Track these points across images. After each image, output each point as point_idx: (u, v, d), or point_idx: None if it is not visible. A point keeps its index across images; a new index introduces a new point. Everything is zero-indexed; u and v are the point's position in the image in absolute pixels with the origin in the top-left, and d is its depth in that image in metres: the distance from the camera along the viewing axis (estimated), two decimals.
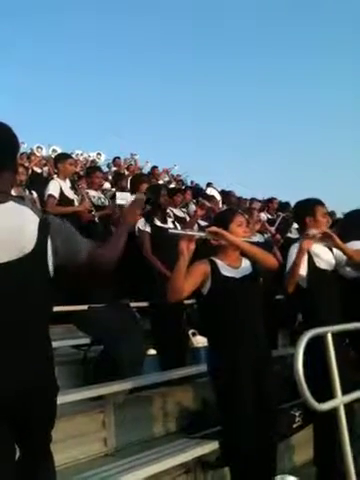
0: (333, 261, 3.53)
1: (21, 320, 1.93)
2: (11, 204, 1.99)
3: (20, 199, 2.12)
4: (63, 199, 5.42)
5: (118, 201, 5.37)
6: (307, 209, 3.58)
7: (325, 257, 3.52)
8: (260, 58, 34.54)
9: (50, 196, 5.33)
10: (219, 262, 3.13)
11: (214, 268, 3.09)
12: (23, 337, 1.94)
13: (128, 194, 5.98)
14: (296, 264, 3.32)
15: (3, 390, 1.88)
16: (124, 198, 5.58)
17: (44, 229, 1.99)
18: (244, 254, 3.16)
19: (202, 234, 3.03)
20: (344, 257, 3.49)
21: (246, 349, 3.01)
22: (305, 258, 3.42)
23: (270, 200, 8.52)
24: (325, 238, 3.40)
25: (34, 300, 1.97)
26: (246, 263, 3.18)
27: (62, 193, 5.42)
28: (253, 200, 8.83)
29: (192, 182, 13.11)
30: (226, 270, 3.11)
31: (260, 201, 8.75)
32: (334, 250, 3.54)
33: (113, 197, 6.20)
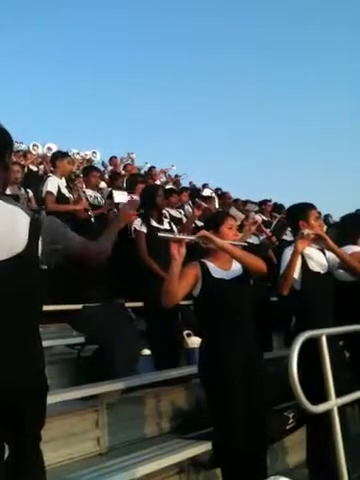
0: (326, 263, 3.54)
1: (11, 320, 1.93)
2: (1, 204, 1.97)
3: (10, 198, 2.10)
4: (60, 197, 5.40)
5: (116, 199, 5.36)
6: (300, 213, 3.60)
7: (318, 259, 3.53)
8: (260, 56, 34.49)
9: (48, 193, 5.31)
10: (210, 264, 3.15)
11: (205, 270, 3.11)
12: (12, 337, 1.93)
13: (125, 193, 5.98)
14: (290, 266, 3.33)
15: None
16: (121, 196, 5.58)
17: (35, 229, 1.98)
18: None
19: (192, 238, 3.01)
20: (337, 260, 3.51)
21: (236, 350, 3.02)
22: (299, 260, 3.43)
23: (264, 202, 8.52)
24: (318, 240, 3.41)
25: (24, 300, 1.96)
26: (237, 265, 3.18)
27: (59, 191, 5.41)
28: (249, 202, 8.84)
29: (190, 183, 13.08)
30: (216, 272, 3.13)
31: (255, 203, 8.75)
32: (327, 252, 3.55)
33: (110, 195, 6.20)
